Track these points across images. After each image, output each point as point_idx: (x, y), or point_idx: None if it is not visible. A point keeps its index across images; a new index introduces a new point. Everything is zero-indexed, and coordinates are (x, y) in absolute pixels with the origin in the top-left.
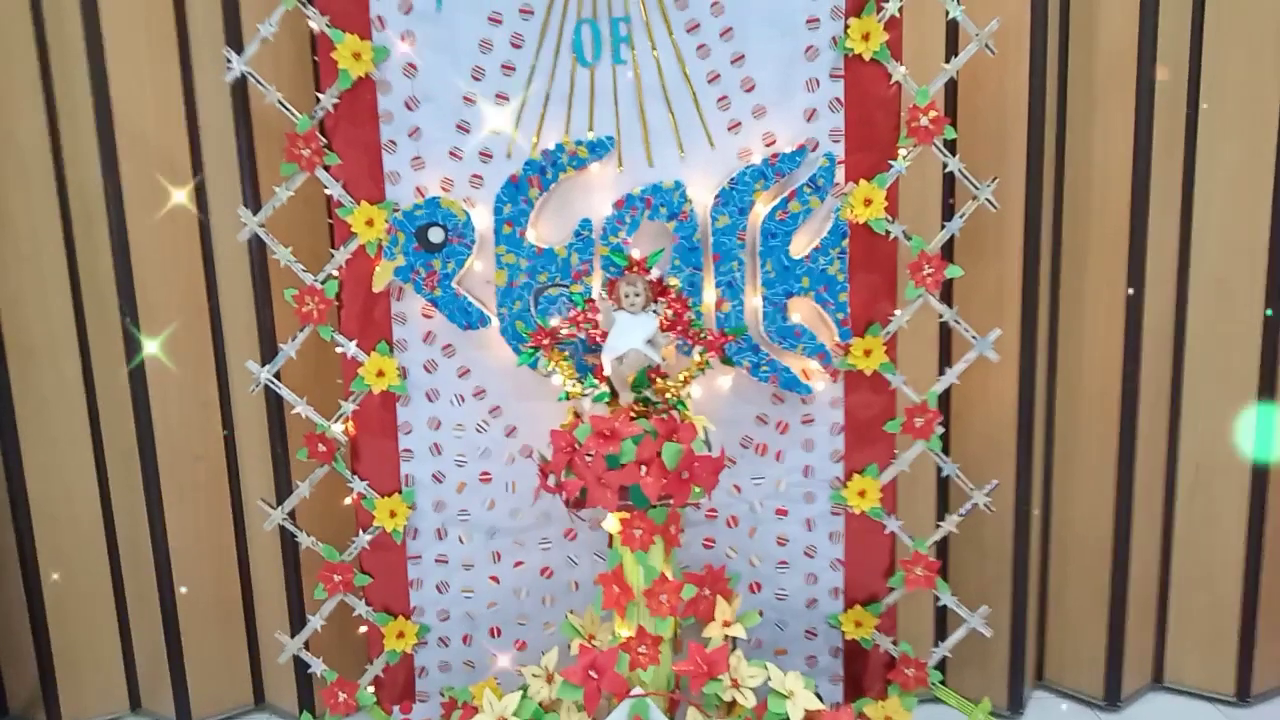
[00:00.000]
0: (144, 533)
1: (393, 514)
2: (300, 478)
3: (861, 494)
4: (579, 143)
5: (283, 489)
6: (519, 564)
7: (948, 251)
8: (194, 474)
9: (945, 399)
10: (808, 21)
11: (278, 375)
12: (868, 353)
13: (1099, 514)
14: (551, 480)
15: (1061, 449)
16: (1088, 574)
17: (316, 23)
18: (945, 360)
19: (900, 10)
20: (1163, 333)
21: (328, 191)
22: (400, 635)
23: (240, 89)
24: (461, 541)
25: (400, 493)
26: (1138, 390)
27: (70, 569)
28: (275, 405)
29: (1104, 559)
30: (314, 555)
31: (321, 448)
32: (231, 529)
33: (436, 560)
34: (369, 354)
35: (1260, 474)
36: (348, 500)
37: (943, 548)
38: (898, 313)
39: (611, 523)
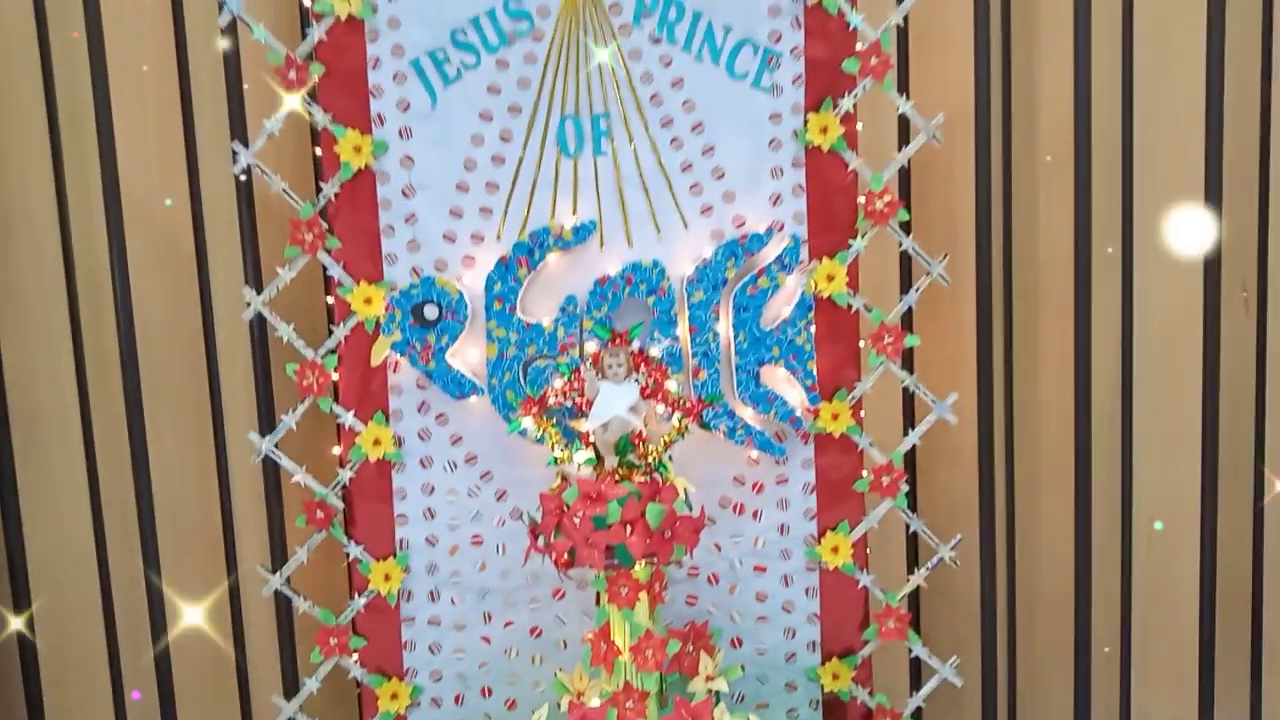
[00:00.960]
0: (140, 597)
1: (387, 577)
2: (295, 543)
3: (834, 550)
4: (564, 226)
5: (277, 555)
6: (509, 624)
7: (907, 322)
8: (191, 541)
9: (911, 459)
10: (771, 117)
11: (277, 445)
12: (835, 416)
13: (1061, 565)
14: (541, 541)
15: (1023, 504)
16: (1053, 622)
17: (321, 120)
18: (909, 422)
19: (855, 106)
20: (1111, 393)
21: (329, 273)
22: (394, 697)
23: (245, 176)
24: (454, 603)
25: (395, 556)
26: (1090, 447)
27: (66, 632)
28: (272, 473)
29: (1067, 607)
30: (307, 619)
31: (319, 514)
32: (227, 594)
33: (429, 622)
34: (366, 423)
35: (1210, 522)
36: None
37: (915, 600)
38: (862, 379)
39: (598, 581)
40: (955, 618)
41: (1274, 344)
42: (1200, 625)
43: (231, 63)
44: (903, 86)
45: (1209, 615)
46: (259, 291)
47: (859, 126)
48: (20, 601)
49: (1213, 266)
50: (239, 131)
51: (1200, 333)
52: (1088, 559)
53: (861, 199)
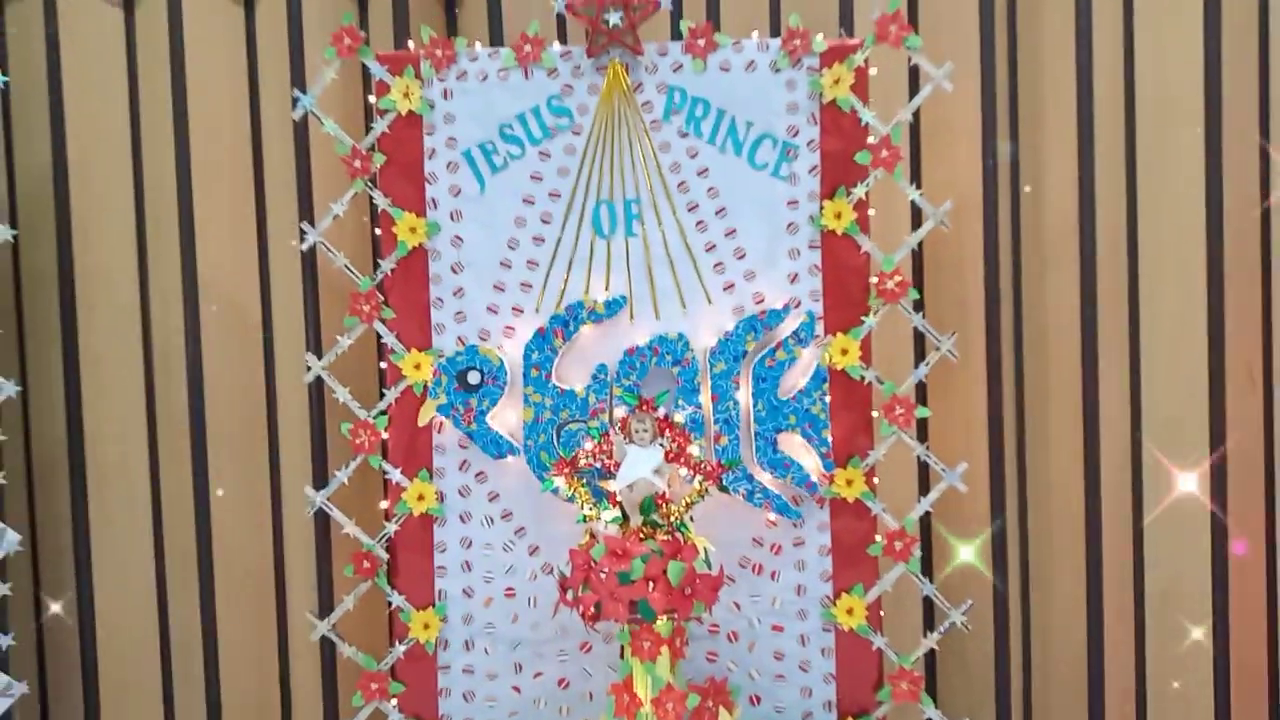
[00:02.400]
0: (196, 642)
1: (426, 626)
2: (340, 592)
3: (849, 612)
4: (596, 301)
5: (324, 602)
6: (538, 675)
7: (921, 394)
8: (245, 588)
9: (926, 524)
10: (789, 203)
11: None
12: (849, 482)
13: (1074, 631)
14: (570, 594)
15: (1036, 571)
16: (1067, 689)
17: (381, 203)
18: (924, 489)
19: (867, 194)
20: (1121, 468)
21: (383, 340)
22: None
23: (310, 251)
24: (487, 653)
25: (434, 606)
26: (1101, 520)
27: (125, 673)
28: (322, 526)
29: (1081, 673)
30: (348, 664)
31: (366, 564)
32: (275, 639)
33: (464, 670)
34: (412, 480)
35: (1221, 589)
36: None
37: (930, 664)
38: (875, 447)
39: (623, 634)
40: (970, 683)
41: None
42: (1215, 691)
43: (301, 150)
44: (914, 173)
45: (1223, 685)
46: (319, 357)
47: (871, 212)
48: (86, 644)
49: (1217, 345)
50: (306, 212)
51: (1206, 409)
52: (1100, 627)
53: (874, 279)
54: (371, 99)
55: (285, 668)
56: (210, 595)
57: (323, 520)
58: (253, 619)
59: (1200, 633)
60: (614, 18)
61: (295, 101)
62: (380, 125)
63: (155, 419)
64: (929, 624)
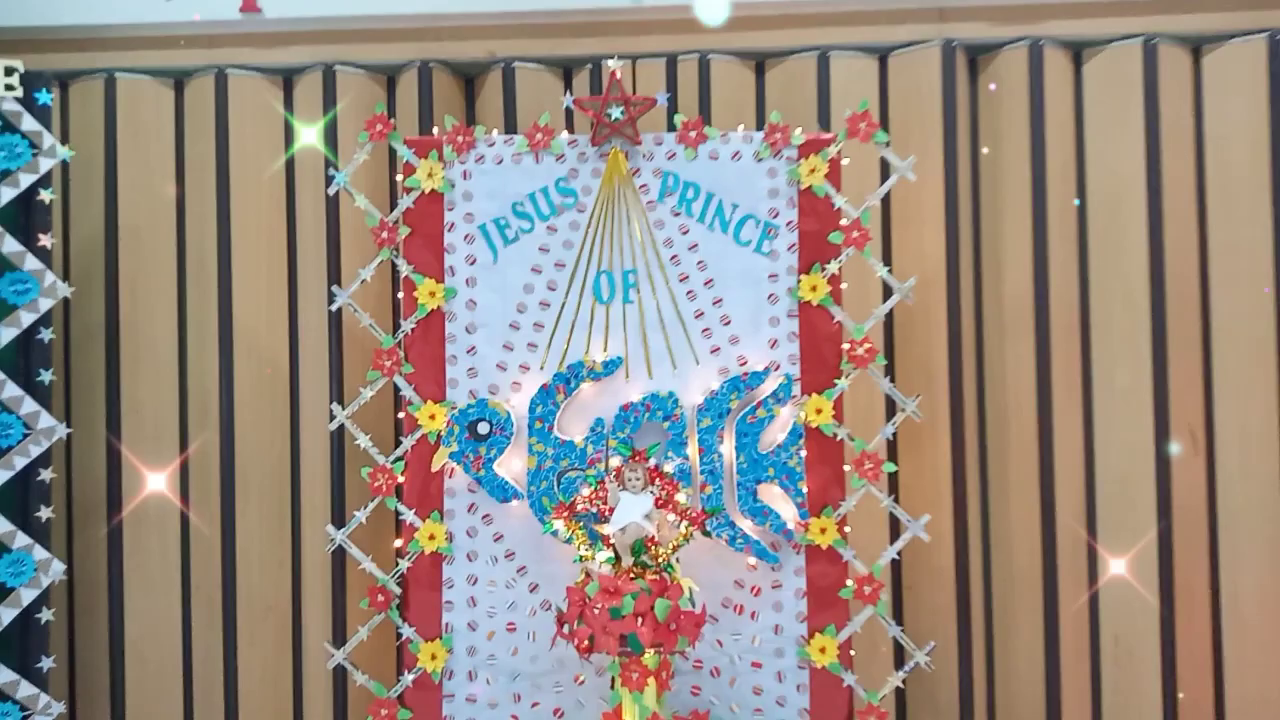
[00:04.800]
0: (217, 671)
1: (433, 656)
2: (354, 625)
3: (822, 650)
4: (596, 361)
5: (338, 634)
6: (536, 704)
7: (892, 450)
8: (265, 622)
9: (896, 571)
10: (769, 276)
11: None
12: (823, 530)
13: (1033, 678)
14: (566, 628)
15: (1000, 618)
16: None
17: (404, 269)
18: (892, 537)
19: (839, 269)
20: (1076, 518)
21: (401, 393)
22: None
23: (336, 311)
24: (489, 683)
25: (441, 638)
26: (1057, 567)
27: (150, 699)
28: (338, 563)
29: (1039, 709)
30: (357, 695)
31: (380, 598)
32: (290, 670)
33: (467, 699)
34: (424, 521)
35: (1169, 639)
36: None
37: (901, 702)
38: (846, 498)
39: (613, 666)
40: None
41: (1221, 474)
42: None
43: (333, 221)
44: (884, 250)
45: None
46: (344, 407)
47: (844, 285)
48: (115, 671)
49: (1162, 410)
50: (334, 276)
51: (1153, 468)
52: (1057, 668)
53: (846, 345)
54: (398, 177)
55: (299, 696)
56: (232, 627)
57: (339, 557)
58: (271, 650)
59: (1151, 674)
60: (616, 112)
61: (330, 179)
62: (406, 201)
63: (188, 463)
64: (900, 664)
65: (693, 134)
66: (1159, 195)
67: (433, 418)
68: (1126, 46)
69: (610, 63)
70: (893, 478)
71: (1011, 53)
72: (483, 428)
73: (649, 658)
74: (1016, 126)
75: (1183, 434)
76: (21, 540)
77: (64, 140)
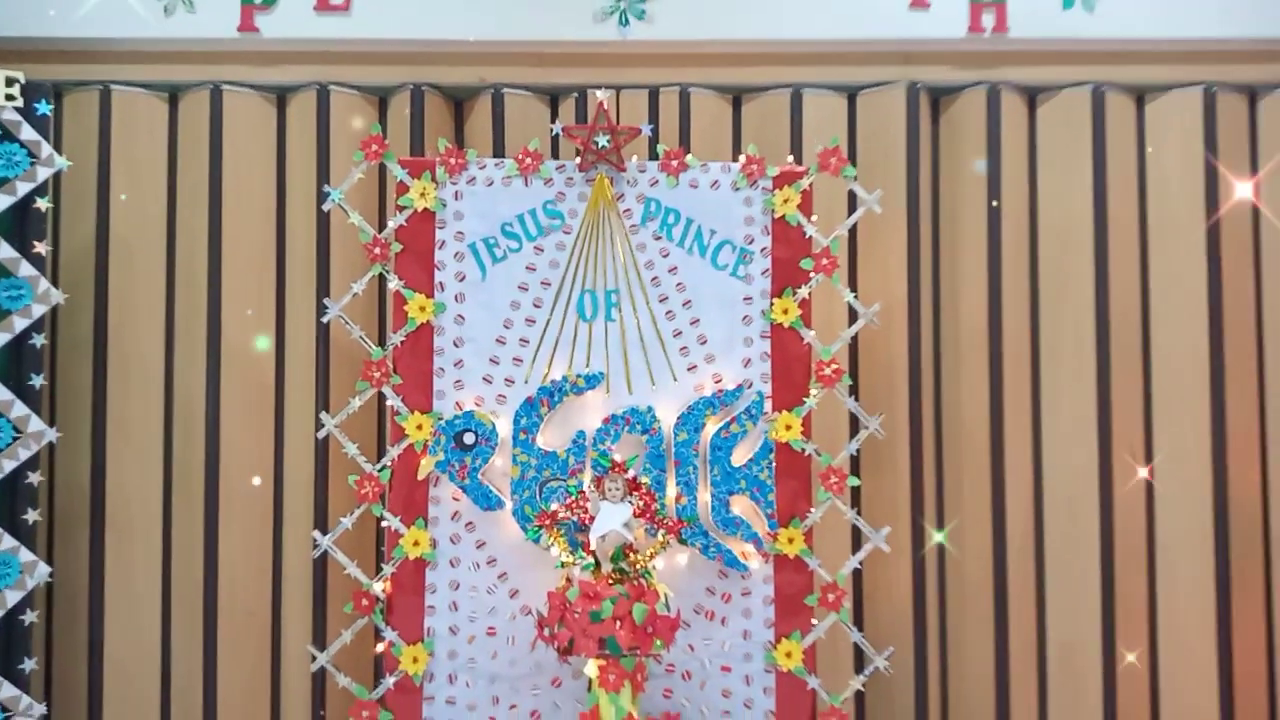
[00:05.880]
0: (196, 677)
1: (415, 660)
2: (337, 627)
3: (788, 655)
4: (578, 375)
5: (319, 639)
6: (514, 707)
7: (854, 465)
8: (245, 627)
9: (858, 581)
10: (744, 299)
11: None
12: (791, 540)
13: (984, 681)
14: (547, 631)
15: (954, 625)
16: None
17: (395, 284)
18: (855, 547)
19: (809, 294)
20: (1024, 533)
21: (388, 402)
22: None
23: (324, 324)
24: (468, 686)
25: (423, 642)
26: (1007, 578)
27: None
28: (320, 570)
29: (989, 711)
30: (337, 698)
31: (365, 602)
32: (268, 675)
33: (447, 701)
34: (409, 527)
35: (1110, 654)
36: (379, 648)
37: (860, 705)
38: (813, 510)
39: (591, 667)
40: None
41: (1160, 493)
42: None
43: (323, 237)
44: (851, 277)
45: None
46: (332, 416)
47: (813, 309)
48: (94, 675)
49: (1105, 432)
50: (324, 289)
51: (1097, 486)
52: (1006, 672)
53: (814, 366)
54: (391, 195)
55: (277, 702)
56: (213, 633)
57: (320, 565)
58: (250, 655)
59: (1094, 680)
60: (602, 140)
61: (324, 195)
62: (399, 219)
63: (171, 473)
64: (860, 669)
65: (675, 163)
66: (1105, 231)
67: (419, 427)
68: (1077, 93)
69: (598, 93)
70: (856, 491)
71: (971, 95)
72: (468, 438)
73: (626, 660)
74: (974, 165)
75: (1123, 453)
76: (8, 543)
77: (57, 150)
